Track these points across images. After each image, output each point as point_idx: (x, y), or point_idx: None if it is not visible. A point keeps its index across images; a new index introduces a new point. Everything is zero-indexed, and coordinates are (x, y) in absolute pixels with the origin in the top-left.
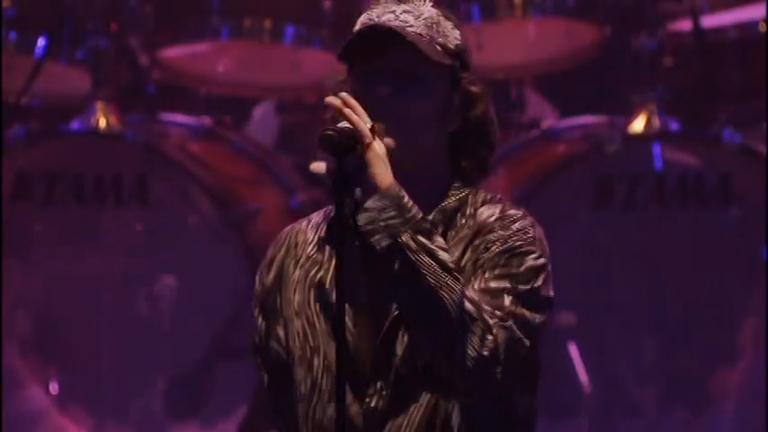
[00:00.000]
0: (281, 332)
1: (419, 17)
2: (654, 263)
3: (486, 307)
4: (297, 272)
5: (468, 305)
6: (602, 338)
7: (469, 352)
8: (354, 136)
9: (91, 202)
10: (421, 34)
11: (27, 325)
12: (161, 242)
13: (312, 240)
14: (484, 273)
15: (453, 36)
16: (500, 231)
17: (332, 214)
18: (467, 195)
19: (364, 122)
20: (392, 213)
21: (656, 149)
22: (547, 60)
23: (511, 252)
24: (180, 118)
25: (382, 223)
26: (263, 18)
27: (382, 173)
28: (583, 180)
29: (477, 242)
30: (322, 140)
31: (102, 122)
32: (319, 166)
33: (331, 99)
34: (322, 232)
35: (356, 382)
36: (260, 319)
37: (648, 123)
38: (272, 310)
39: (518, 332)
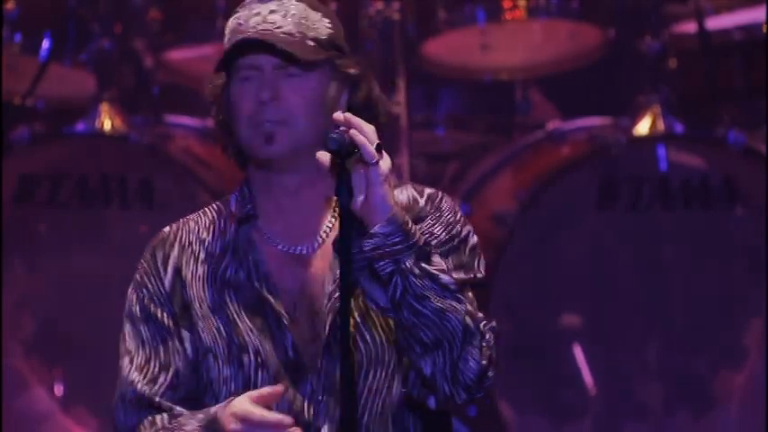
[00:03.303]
0: (192, 329)
1: (287, 15)
2: (658, 264)
3: (479, 314)
4: (199, 268)
5: (468, 320)
6: (606, 340)
7: (473, 365)
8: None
9: (95, 204)
10: (291, 33)
11: (31, 326)
12: None
13: (211, 238)
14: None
15: (323, 26)
16: (436, 215)
17: (230, 211)
18: None
19: (371, 142)
20: (397, 239)
21: (661, 151)
22: (551, 62)
23: (456, 238)
24: (185, 120)
25: (388, 249)
26: None
27: (387, 195)
28: (587, 181)
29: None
30: (327, 142)
31: (107, 124)
32: (324, 156)
33: (338, 115)
34: (223, 229)
35: (298, 375)
36: (164, 318)
37: (653, 125)
38: (179, 306)
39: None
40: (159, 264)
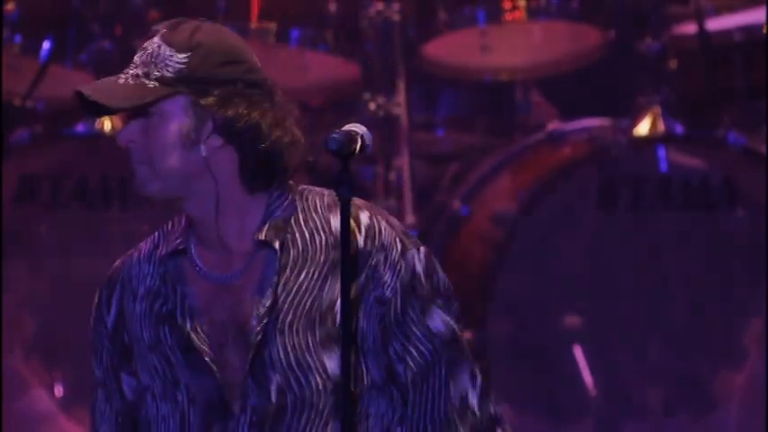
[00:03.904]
0: (134, 368)
1: (143, 54)
2: (659, 265)
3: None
4: (138, 306)
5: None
6: (607, 341)
7: None
8: (359, 138)
9: (96, 205)
10: (137, 75)
11: (32, 327)
12: None
13: (148, 272)
14: (404, 336)
15: (174, 62)
16: (381, 257)
17: (165, 243)
18: (292, 202)
19: None
20: None
21: (661, 152)
22: (551, 63)
23: (407, 277)
24: None
25: None
26: (268, 20)
27: None
28: (588, 182)
29: (362, 278)
30: (327, 142)
31: (107, 125)
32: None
33: None
34: (158, 263)
35: (226, 411)
36: (105, 358)
37: (653, 126)
38: (120, 347)
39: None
40: (104, 303)
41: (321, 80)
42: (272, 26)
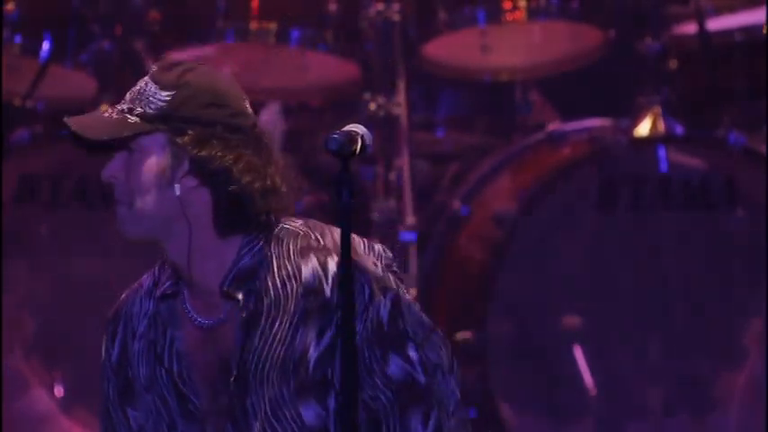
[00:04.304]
0: (132, 405)
1: (133, 91)
2: (659, 265)
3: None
4: (137, 344)
5: None
6: (607, 341)
7: None
8: (359, 139)
9: (96, 205)
10: (122, 110)
11: (32, 327)
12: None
13: (148, 309)
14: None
15: (158, 98)
16: (357, 321)
17: (160, 281)
18: (262, 248)
19: None
20: None
21: (662, 152)
22: (551, 63)
23: (376, 319)
24: None
25: None
26: (268, 21)
27: None
28: (588, 182)
29: (333, 328)
30: (327, 143)
31: None
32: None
33: None
34: (153, 306)
35: None
36: (109, 389)
37: (653, 126)
38: (124, 382)
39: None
40: (110, 337)
41: (321, 80)
42: (272, 26)
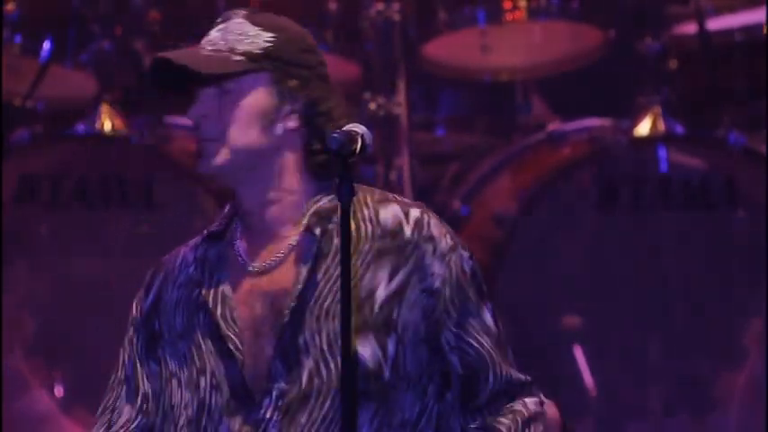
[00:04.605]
0: (161, 355)
1: (224, 31)
2: (659, 266)
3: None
4: (175, 293)
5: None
6: (607, 341)
7: None
8: (359, 138)
9: (96, 205)
10: (219, 49)
11: (32, 327)
12: (166, 245)
13: (191, 261)
14: (458, 327)
15: (261, 39)
16: (430, 248)
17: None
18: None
19: None
20: None
21: (662, 152)
22: (552, 63)
23: (456, 273)
24: (185, 121)
25: None
26: None
27: None
28: (588, 182)
29: (408, 268)
30: (328, 142)
31: (108, 125)
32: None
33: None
34: (201, 251)
35: (247, 397)
36: (138, 343)
37: (653, 126)
38: (149, 335)
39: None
40: (145, 290)
41: None
42: None
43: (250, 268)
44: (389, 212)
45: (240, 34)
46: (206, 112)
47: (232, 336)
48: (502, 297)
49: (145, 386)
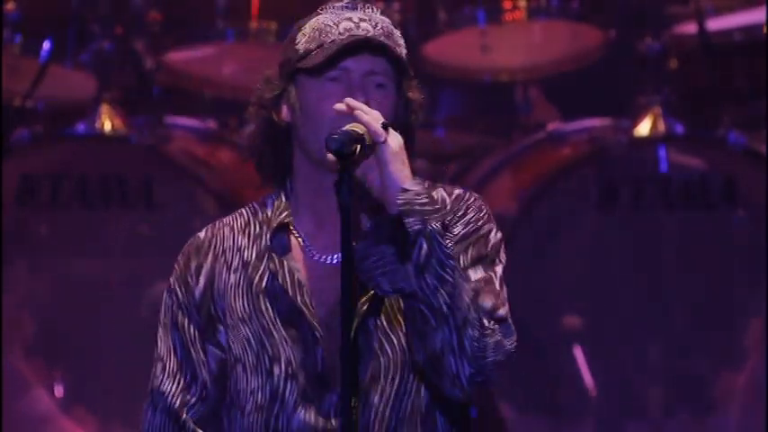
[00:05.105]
0: (221, 339)
1: (376, 26)
2: (659, 265)
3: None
4: (232, 277)
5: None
6: (607, 341)
7: (473, 333)
8: (359, 139)
9: (96, 205)
10: (392, 46)
11: (32, 327)
12: (166, 245)
13: (244, 245)
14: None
15: (403, 44)
16: (459, 215)
17: (267, 215)
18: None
19: (376, 121)
20: (425, 200)
21: (662, 152)
22: (552, 63)
23: (475, 234)
24: (185, 121)
25: (417, 207)
26: (268, 21)
27: (401, 170)
28: (588, 182)
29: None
30: (328, 143)
31: (108, 125)
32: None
33: (339, 105)
34: (258, 233)
35: (326, 388)
36: (191, 328)
37: (654, 126)
38: (206, 318)
39: (506, 332)
40: (192, 272)
41: None
42: (272, 26)
43: (319, 259)
44: (438, 195)
45: (392, 34)
46: (376, 98)
47: (316, 324)
48: None
49: (203, 373)
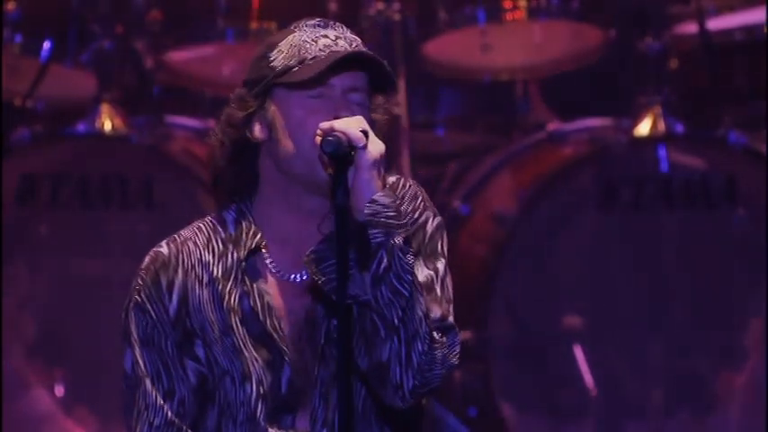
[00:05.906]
0: (199, 353)
1: (351, 44)
2: (659, 265)
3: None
4: (205, 292)
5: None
6: (607, 341)
7: (421, 347)
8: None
9: (96, 205)
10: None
11: (32, 327)
12: None
13: (211, 262)
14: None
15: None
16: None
17: (229, 233)
18: None
19: (357, 126)
20: (392, 213)
21: (662, 152)
22: (552, 62)
23: (413, 225)
24: (185, 120)
25: (382, 219)
26: (268, 21)
27: (374, 178)
28: (588, 182)
29: None
30: (323, 145)
31: (108, 125)
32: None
33: (325, 124)
34: (222, 251)
35: (296, 409)
36: (167, 346)
37: (654, 125)
38: (182, 333)
39: (452, 343)
40: (164, 290)
41: None
42: (272, 26)
43: (288, 279)
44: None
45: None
46: (362, 102)
47: (285, 348)
48: (502, 297)
49: (182, 388)
